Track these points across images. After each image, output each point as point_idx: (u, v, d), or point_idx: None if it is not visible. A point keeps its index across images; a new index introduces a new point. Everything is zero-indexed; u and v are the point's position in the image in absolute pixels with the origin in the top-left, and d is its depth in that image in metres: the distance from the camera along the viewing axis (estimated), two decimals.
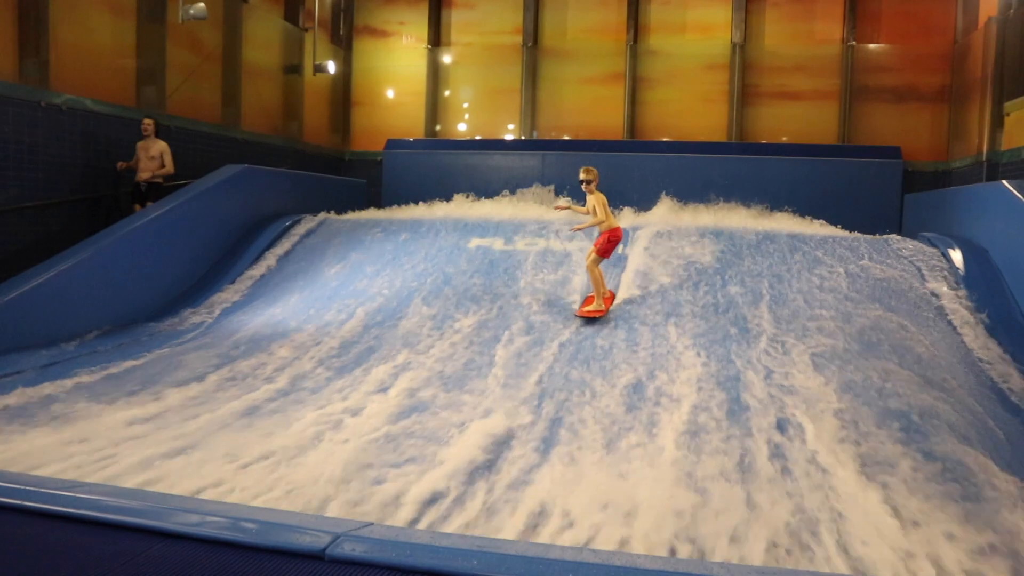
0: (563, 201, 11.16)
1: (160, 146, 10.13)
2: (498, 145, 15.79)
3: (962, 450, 4.96)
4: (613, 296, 8.38)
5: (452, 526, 4.07)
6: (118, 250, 8.75)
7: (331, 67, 15.83)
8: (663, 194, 12.85)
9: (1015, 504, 4.29)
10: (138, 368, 6.86)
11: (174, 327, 8.48)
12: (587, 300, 8.25)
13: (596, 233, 8.31)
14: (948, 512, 4.22)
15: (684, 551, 3.80)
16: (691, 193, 12.87)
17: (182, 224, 9.70)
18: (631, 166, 13.95)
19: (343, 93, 17.04)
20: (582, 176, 7.96)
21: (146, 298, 9.01)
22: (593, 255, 8.10)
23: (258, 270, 10.06)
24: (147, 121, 10.16)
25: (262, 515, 3.36)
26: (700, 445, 5.13)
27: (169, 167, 10.16)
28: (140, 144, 10.20)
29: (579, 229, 8.46)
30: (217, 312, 8.95)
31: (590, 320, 7.84)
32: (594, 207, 7.94)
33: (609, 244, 8.08)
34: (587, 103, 15.90)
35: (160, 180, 10.21)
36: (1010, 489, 4.46)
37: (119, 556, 2.80)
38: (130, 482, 4.42)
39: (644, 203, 12.54)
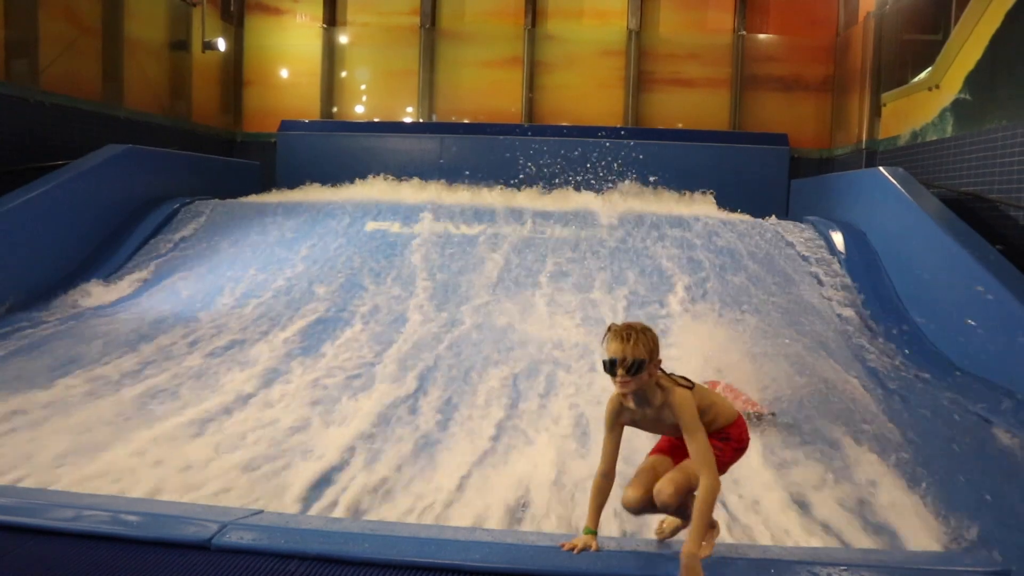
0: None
1: None
2: (396, 128, 15.59)
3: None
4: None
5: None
6: None
7: (221, 44, 15.23)
8: (559, 179, 13.07)
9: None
10: None
11: (39, 319, 7.71)
12: None
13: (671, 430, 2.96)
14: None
15: None
16: (587, 177, 13.05)
17: (57, 208, 9.07)
18: (528, 150, 14.00)
19: (234, 72, 16.41)
20: (619, 351, 2.75)
21: (12, 288, 8.18)
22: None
23: (141, 258, 9.56)
24: None
25: (144, 507, 3.24)
26: None
27: None
28: None
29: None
30: (88, 304, 8.30)
31: None
32: (689, 420, 2.81)
33: (736, 455, 3.06)
34: (485, 86, 15.82)
35: None
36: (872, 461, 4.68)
37: None
38: None
39: (541, 187, 12.61)
